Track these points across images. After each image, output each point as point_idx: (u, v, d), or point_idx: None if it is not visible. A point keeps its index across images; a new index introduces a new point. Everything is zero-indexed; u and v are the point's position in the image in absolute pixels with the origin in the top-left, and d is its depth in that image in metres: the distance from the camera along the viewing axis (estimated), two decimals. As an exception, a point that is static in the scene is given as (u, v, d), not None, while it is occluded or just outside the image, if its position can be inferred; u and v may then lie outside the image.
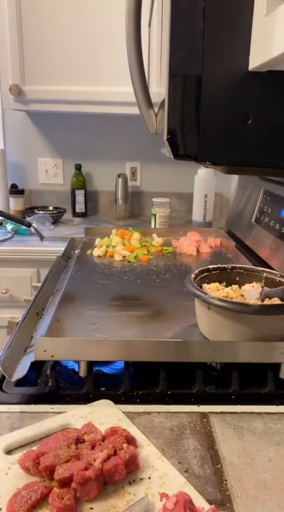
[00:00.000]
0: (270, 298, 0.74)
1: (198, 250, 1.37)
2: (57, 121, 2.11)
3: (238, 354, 0.66)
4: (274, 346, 0.66)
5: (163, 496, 0.46)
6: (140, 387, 0.68)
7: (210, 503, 0.46)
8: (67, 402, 0.65)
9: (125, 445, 0.51)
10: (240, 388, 0.68)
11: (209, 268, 0.83)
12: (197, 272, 0.80)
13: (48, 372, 0.68)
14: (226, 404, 0.65)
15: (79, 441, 0.52)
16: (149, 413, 0.62)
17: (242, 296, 0.77)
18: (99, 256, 1.30)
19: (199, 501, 0.46)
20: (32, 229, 1.76)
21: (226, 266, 0.85)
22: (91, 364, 0.68)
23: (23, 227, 1.79)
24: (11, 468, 0.51)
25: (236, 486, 0.50)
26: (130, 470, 0.49)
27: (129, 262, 1.26)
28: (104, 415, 0.60)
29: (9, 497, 0.46)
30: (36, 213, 1.96)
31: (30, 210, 2.03)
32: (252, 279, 0.82)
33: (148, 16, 1.14)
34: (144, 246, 1.37)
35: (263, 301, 0.74)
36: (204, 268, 0.82)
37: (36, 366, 0.69)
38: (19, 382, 0.68)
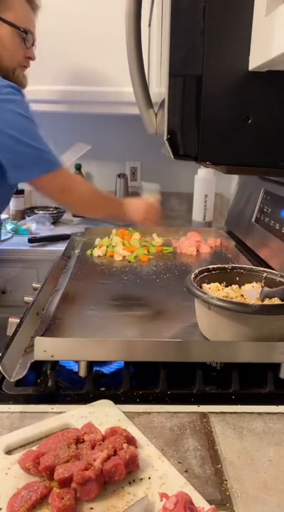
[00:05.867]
0: (270, 298, 0.74)
1: (198, 250, 1.37)
2: (57, 121, 2.11)
3: (238, 354, 0.66)
4: (274, 346, 0.66)
5: (163, 496, 0.46)
6: (140, 387, 0.68)
7: (210, 503, 0.46)
8: (67, 402, 0.65)
9: (125, 445, 0.51)
10: (240, 388, 0.67)
11: (209, 268, 0.83)
12: (196, 271, 0.80)
13: (48, 372, 0.68)
14: (226, 404, 0.65)
15: (79, 441, 0.52)
16: (149, 413, 0.62)
17: (242, 296, 0.77)
18: (99, 256, 1.30)
19: (199, 501, 0.46)
20: (32, 229, 1.76)
21: (226, 266, 0.85)
22: (91, 364, 0.68)
23: (23, 227, 1.79)
24: (10, 468, 0.51)
25: (236, 486, 0.50)
26: (131, 470, 0.49)
27: (129, 262, 1.26)
28: (103, 415, 0.60)
29: (9, 497, 0.46)
30: (36, 213, 1.96)
31: (30, 210, 2.03)
32: (252, 279, 0.82)
33: (148, 16, 1.14)
34: (144, 246, 1.37)
35: (263, 301, 0.74)
36: (204, 268, 0.82)
37: (36, 366, 0.69)
38: (19, 382, 0.68)
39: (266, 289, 0.77)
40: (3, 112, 1.10)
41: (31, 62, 1.38)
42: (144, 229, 1.51)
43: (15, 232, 1.76)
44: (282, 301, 0.73)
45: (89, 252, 1.33)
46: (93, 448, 0.51)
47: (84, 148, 1.87)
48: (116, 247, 1.32)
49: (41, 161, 1.14)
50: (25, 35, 1.23)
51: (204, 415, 0.62)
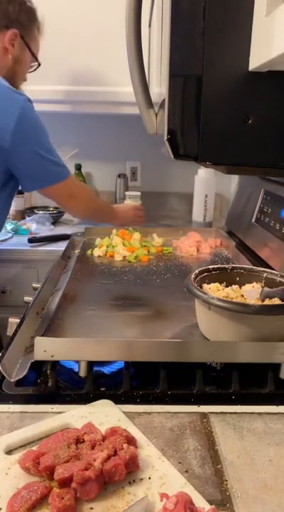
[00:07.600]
0: (270, 298, 0.74)
1: (198, 250, 1.37)
2: (57, 121, 2.11)
3: (238, 354, 0.66)
4: (274, 346, 0.66)
5: (163, 496, 0.46)
6: (140, 387, 0.68)
7: (210, 503, 0.46)
8: (67, 402, 0.65)
9: (125, 445, 0.51)
10: (240, 388, 0.67)
11: (209, 268, 0.83)
12: (197, 272, 0.80)
13: (48, 372, 0.68)
14: (226, 404, 0.65)
15: (79, 441, 0.52)
16: (149, 413, 0.62)
17: (242, 296, 0.77)
18: (99, 256, 1.30)
19: (200, 501, 0.46)
20: (32, 229, 1.76)
21: (226, 266, 0.85)
22: (91, 364, 0.68)
23: (23, 227, 1.79)
24: (11, 468, 0.51)
25: (236, 486, 0.50)
26: (131, 470, 0.49)
27: (129, 262, 1.26)
28: (103, 415, 0.60)
29: (9, 497, 0.46)
30: (36, 213, 1.96)
31: (30, 210, 2.03)
32: (252, 279, 0.82)
33: (148, 16, 1.14)
34: (144, 246, 1.37)
35: (263, 301, 0.74)
36: (204, 268, 0.82)
37: (36, 366, 0.69)
38: (19, 382, 0.68)
39: (266, 289, 0.77)
40: (30, 128, 1.24)
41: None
42: (144, 229, 1.52)
43: (15, 232, 1.76)
44: (282, 301, 0.73)
45: (89, 252, 1.33)
46: (93, 448, 0.51)
47: (69, 152, 1.93)
48: (117, 247, 1.32)
49: (54, 173, 1.30)
50: (37, 65, 1.42)
51: (204, 415, 0.62)
